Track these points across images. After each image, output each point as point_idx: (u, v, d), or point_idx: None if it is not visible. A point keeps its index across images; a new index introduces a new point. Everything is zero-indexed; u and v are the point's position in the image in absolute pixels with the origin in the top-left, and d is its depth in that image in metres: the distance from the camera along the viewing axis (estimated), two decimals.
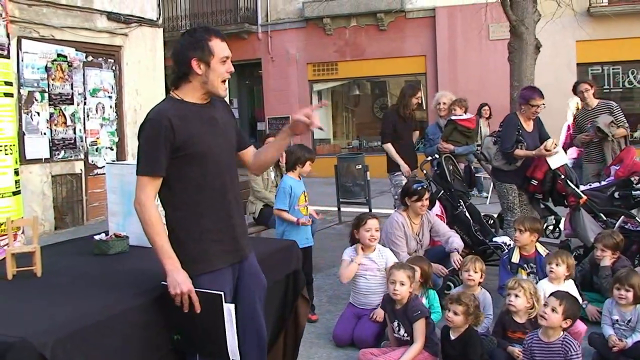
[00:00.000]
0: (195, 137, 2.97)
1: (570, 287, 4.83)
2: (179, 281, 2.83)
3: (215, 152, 3.05)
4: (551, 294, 4.01)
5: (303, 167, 5.62)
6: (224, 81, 3.10)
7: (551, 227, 7.84)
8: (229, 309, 2.92)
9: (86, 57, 11.23)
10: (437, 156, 7.09)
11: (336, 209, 10.26)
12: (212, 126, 3.09)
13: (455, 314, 4.15)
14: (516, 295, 4.34)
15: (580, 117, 7.94)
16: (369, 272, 5.07)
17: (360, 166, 10.16)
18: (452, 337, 4.21)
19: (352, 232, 5.24)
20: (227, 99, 3.47)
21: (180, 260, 2.89)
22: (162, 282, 2.89)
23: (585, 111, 7.82)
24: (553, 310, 3.88)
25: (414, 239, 5.73)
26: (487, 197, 11.63)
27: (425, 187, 5.81)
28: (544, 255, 5.29)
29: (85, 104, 11.21)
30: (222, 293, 2.88)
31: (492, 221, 7.74)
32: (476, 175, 10.10)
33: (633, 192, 6.52)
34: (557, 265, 4.86)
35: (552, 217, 7.48)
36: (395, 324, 4.43)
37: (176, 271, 2.85)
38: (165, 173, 2.93)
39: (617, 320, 4.54)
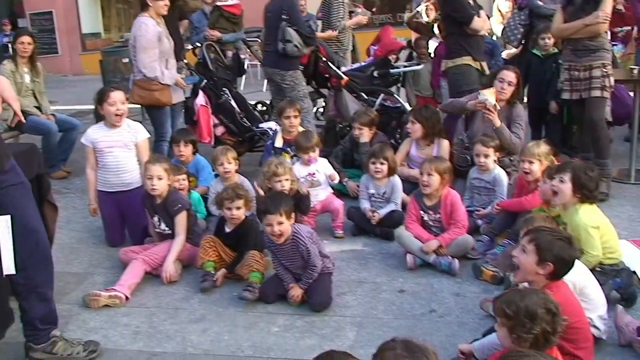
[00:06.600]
0: None
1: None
2: None
3: None
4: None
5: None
6: None
7: (321, 110, 7.98)
8: (5, 221, 2.73)
9: None
10: (198, 44, 6.83)
11: None
12: None
13: (238, 208, 4.11)
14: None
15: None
16: (116, 147, 4.61)
17: (127, 60, 9.55)
18: (228, 230, 4.18)
19: (96, 107, 4.71)
20: None
21: None
22: None
23: None
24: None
25: None
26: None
27: None
28: None
29: None
30: None
31: (264, 108, 7.71)
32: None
33: (391, 71, 6.80)
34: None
35: (322, 99, 7.60)
36: (156, 218, 4.31)
37: None
38: None
39: (373, 193, 4.77)
